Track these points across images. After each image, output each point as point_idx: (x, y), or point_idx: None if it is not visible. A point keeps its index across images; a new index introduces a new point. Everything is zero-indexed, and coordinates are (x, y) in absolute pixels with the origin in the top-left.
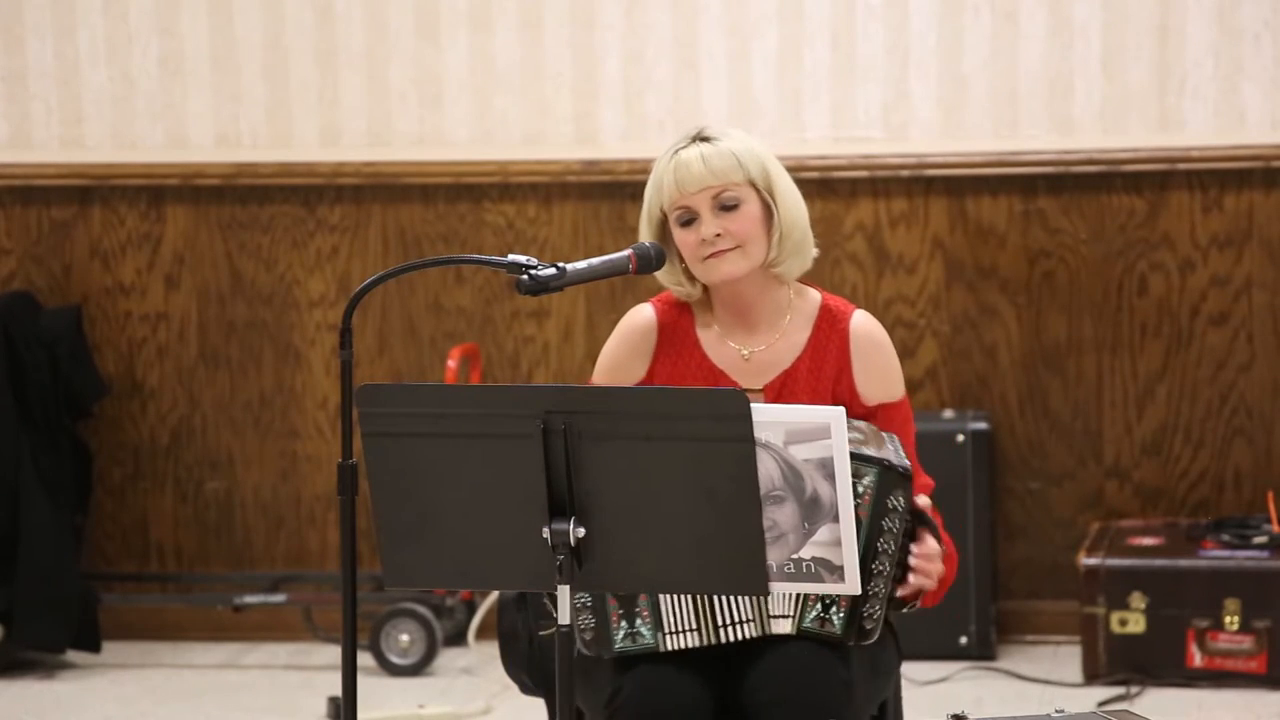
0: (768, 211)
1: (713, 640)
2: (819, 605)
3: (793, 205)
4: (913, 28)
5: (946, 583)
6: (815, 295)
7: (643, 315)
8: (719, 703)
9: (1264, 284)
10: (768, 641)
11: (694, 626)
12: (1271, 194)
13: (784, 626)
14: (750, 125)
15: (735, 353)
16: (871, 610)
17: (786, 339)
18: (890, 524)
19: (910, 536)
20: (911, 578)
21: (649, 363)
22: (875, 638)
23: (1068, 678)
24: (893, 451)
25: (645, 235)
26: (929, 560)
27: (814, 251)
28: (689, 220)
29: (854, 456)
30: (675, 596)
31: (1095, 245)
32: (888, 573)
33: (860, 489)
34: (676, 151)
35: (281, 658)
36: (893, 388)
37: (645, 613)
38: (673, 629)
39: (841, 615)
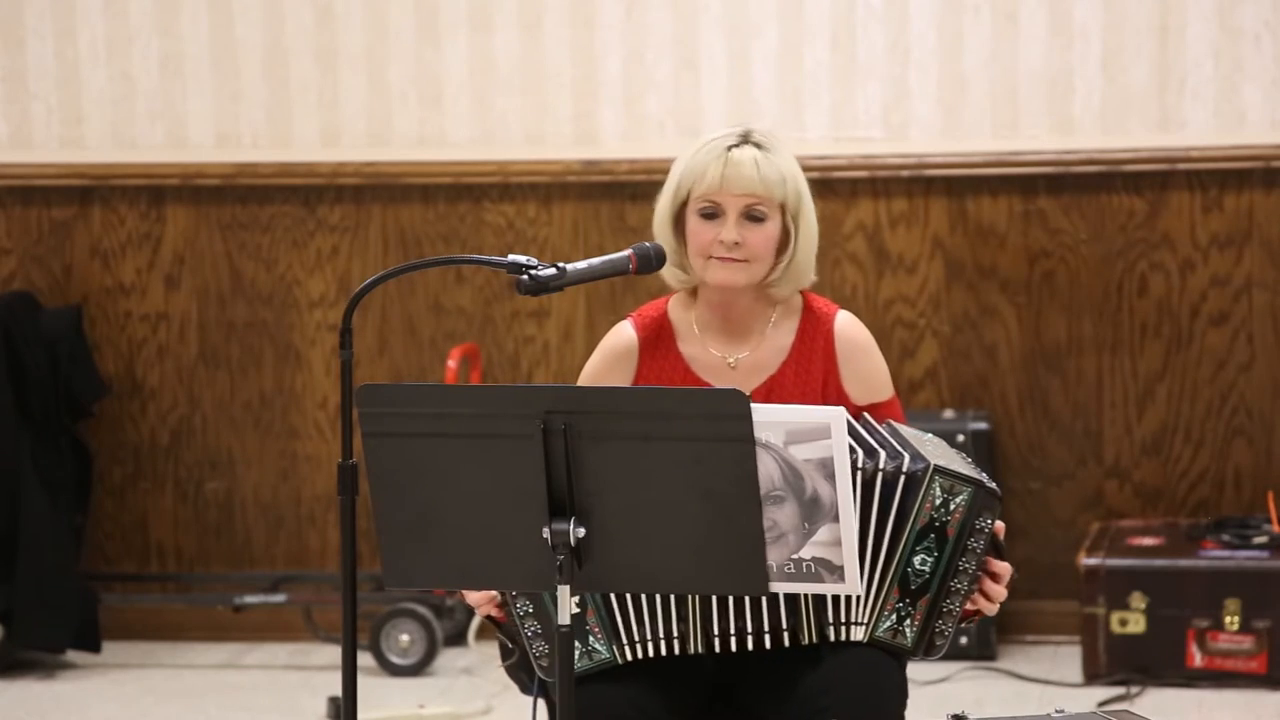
0: (783, 234)
1: (701, 648)
2: (893, 616)
3: (810, 238)
4: (913, 28)
5: None
6: (798, 297)
7: (624, 334)
8: (694, 711)
9: (1264, 284)
10: (826, 647)
11: (672, 634)
12: (1271, 194)
13: (859, 634)
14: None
15: (720, 360)
16: (944, 626)
17: (771, 343)
18: (974, 544)
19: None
20: (979, 597)
21: (631, 380)
22: (942, 653)
23: (1068, 678)
24: (975, 468)
25: (663, 212)
26: (999, 584)
27: (812, 278)
28: (711, 215)
29: (950, 473)
30: (640, 606)
31: (1095, 245)
32: (964, 591)
33: (952, 506)
34: (729, 148)
35: (281, 658)
36: (881, 388)
37: (597, 629)
38: (637, 638)
39: (915, 628)
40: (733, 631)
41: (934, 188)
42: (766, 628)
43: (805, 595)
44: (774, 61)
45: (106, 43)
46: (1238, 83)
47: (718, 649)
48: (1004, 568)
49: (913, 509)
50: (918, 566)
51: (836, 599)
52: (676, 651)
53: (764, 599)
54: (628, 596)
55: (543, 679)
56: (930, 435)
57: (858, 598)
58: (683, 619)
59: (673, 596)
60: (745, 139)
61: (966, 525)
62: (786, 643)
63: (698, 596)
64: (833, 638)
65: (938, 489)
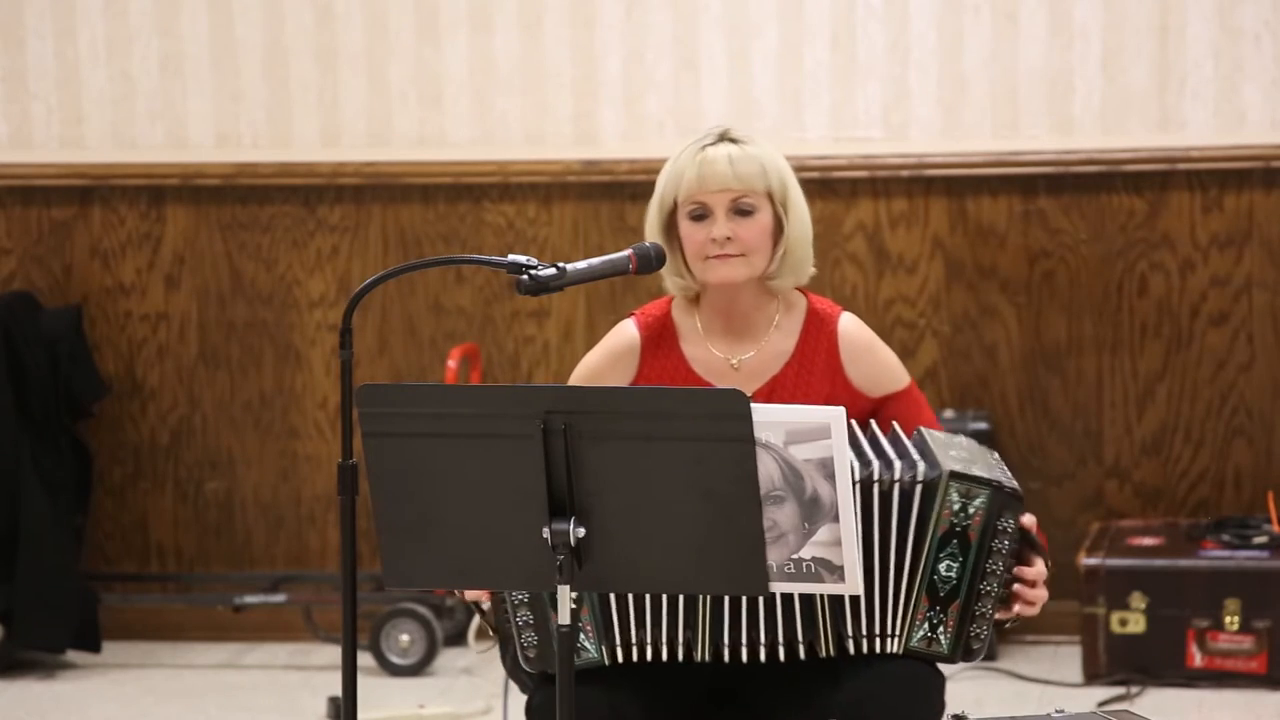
0: (777, 224)
1: (709, 657)
2: (925, 625)
3: (802, 223)
4: (913, 28)
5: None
6: (801, 300)
7: (627, 333)
8: (681, 718)
9: (1264, 284)
10: (861, 659)
11: (676, 640)
12: (1271, 194)
13: (892, 645)
14: (750, 125)
15: (723, 361)
16: (978, 630)
17: (774, 346)
18: (999, 545)
19: (1018, 558)
20: (1016, 606)
21: (632, 379)
22: (981, 656)
23: (1068, 678)
24: (1001, 470)
25: (652, 222)
26: (1035, 587)
27: (811, 270)
28: (700, 216)
29: (966, 477)
30: (643, 609)
31: (1095, 245)
32: (994, 593)
33: (971, 510)
34: (703, 147)
35: (281, 658)
36: (893, 379)
37: (589, 627)
38: (634, 640)
39: (949, 635)
40: (744, 642)
41: (934, 188)
42: (781, 640)
43: (824, 607)
44: (774, 61)
45: (106, 43)
46: (1238, 83)
47: (727, 659)
48: (1037, 572)
49: (931, 517)
50: (944, 573)
51: (856, 609)
52: (680, 657)
53: (779, 610)
54: (628, 598)
55: (527, 669)
56: (962, 438)
57: (875, 609)
58: (690, 625)
59: (681, 602)
60: (721, 137)
61: (988, 528)
62: (803, 655)
63: (709, 604)
64: (853, 650)
65: (954, 494)
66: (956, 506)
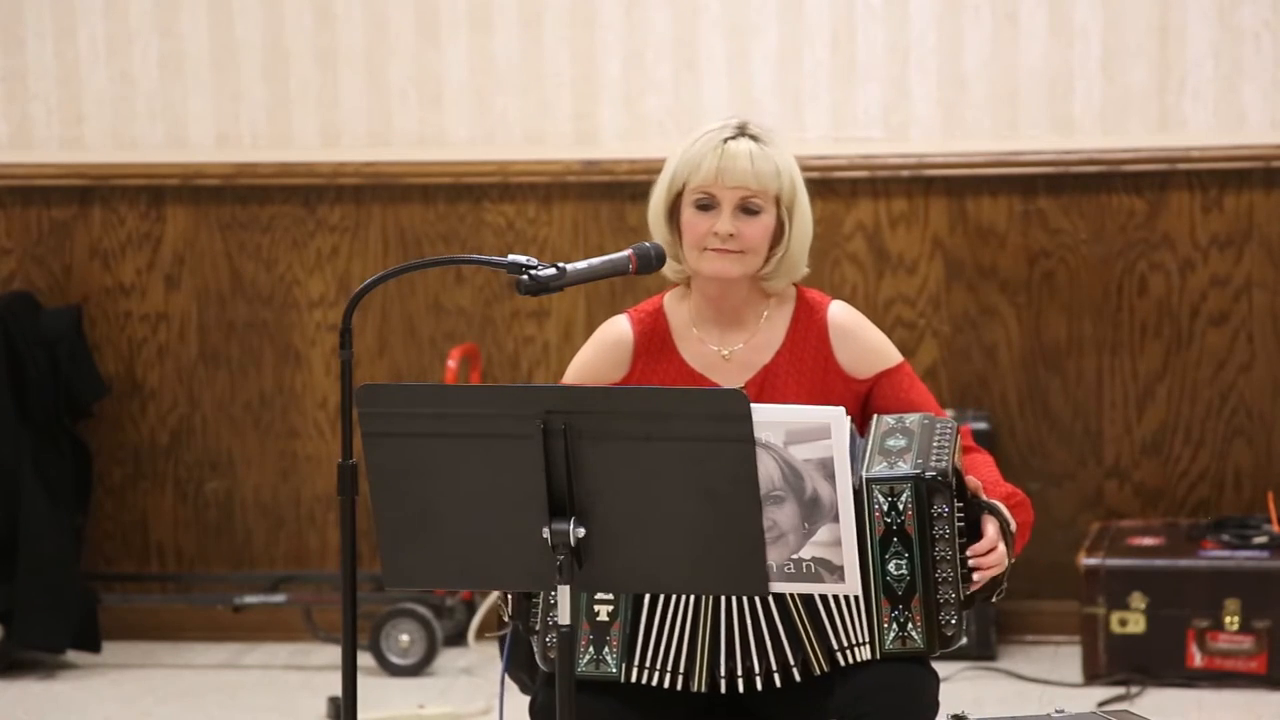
0: (778, 226)
1: (703, 688)
2: (894, 626)
3: (804, 231)
4: (913, 28)
5: (1025, 528)
6: (791, 291)
7: (619, 327)
8: None
9: (1264, 284)
10: (849, 669)
11: (679, 669)
12: (1271, 194)
13: (864, 654)
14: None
15: (715, 353)
16: (948, 617)
17: (764, 335)
18: (941, 531)
19: (969, 532)
20: (976, 575)
21: (625, 375)
22: (961, 641)
23: (1068, 678)
24: (938, 452)
25: (657, 201)
26: (987, 555)
27: (805, 270)
28: (707, 206)
29: (882, 480)
30: (664, 635)
31: (1095, 245)
32: (953, 578)
33: (900, 506)
34: (725, 140)
35: (281, 658)
36: (883, 357)
37: (615, 641)
38: (646, 663)
39: (919, 630)
40: (740, 672)
41: (934, 188)
42: (775, 665)
43: (804, 625)
44: (774, 61)
45: (106, 43)
46: (1238, 83)
47: (724, 690)
48: (989, 541)
49: (865, 522)
50: (895, 573)
51: (832, 623)
52: (679, 688)
53: (767, 637)
54: (655, 621)
55: (543, 668)
56: (913, 416)
57: (854, 619)
58: (691, 658)
59: (686, 634)
60: (741, 131)
61: (923, 518)
62: (798, 677)
63: (707, 637)
64: (842, 662)
65: (879, 496)
66: (885, 506)
